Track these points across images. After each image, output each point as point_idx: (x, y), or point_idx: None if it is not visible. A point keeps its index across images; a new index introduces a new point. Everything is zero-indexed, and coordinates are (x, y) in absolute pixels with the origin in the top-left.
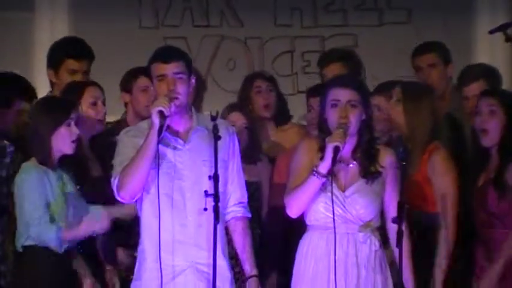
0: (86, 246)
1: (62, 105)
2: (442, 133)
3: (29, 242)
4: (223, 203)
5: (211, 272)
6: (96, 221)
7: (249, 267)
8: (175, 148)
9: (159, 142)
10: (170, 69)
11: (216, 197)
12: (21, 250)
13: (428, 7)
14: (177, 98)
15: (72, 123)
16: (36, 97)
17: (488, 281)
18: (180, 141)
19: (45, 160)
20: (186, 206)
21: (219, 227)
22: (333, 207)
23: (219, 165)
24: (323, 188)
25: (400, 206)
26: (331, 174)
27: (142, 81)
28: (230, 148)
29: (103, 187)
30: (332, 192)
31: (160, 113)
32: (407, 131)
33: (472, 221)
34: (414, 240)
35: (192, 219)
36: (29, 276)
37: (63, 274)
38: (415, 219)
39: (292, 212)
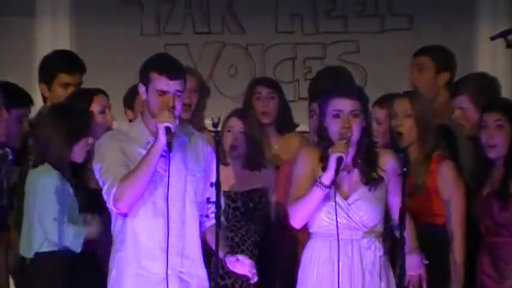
0: (86, 245)
1: (83, 117)
2: (441, 142)
3: (44, 249)
4: (201, 211)
5: (192, 282)
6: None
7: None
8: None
9: (169, 157)
10: (174, 86)
11: (217, 204)
12: (32, 257)
13: (429, 13)
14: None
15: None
16: (32, 102)
17: None
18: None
19: (61, 167)
20: (170, 214)
21: (197, 237)
22: (336, 217)
23: (200, 175)
24: (326, 197)
25: (402, 212)
26: (335, 183)
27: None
28: (209, 159)
29: (98, 200)
30: (336, 202)
31: (167, 129)
32: (419, 143)
33: (476, 228)
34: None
35: (175, 227)
36: (43, 282)
37: (78, 276)
38: (423, 233)
39: (296, 222)
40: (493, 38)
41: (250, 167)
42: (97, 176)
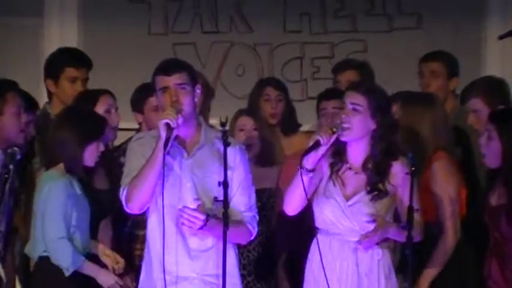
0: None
1: (97, 122)
2: (447, 144)
3: (45, 254)
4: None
5: (219, 282)
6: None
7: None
8: (179, 158)
9: (166, 153)
10: (172, 81)
11: (225, 203)
12: (38, 260)
13: (438, 12)
14: (182, 109)
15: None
16: (38, 107)
17: None
18: (185, 153)
19: (75, 169)
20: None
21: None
22: (306, 206)
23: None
24: (328, 194)
25: (410, 211)
26: (302, 167)
27: (153, 100)
28: (238, 172)
29: (103, 200)
30: (305, 190)
31: (167, 125)
32: (410, 146)
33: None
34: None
35: (197, 231)
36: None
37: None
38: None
39: (287, 208)
40: (501, 37)
41: (262, 164)
42: None
